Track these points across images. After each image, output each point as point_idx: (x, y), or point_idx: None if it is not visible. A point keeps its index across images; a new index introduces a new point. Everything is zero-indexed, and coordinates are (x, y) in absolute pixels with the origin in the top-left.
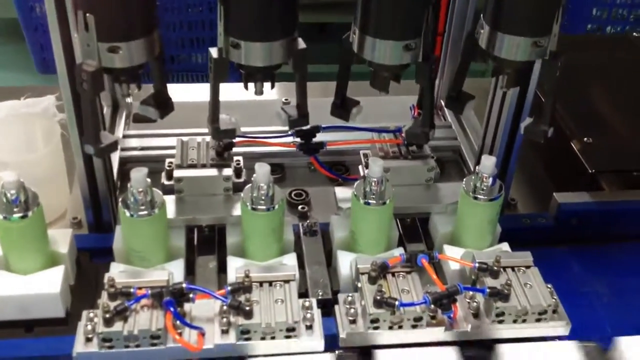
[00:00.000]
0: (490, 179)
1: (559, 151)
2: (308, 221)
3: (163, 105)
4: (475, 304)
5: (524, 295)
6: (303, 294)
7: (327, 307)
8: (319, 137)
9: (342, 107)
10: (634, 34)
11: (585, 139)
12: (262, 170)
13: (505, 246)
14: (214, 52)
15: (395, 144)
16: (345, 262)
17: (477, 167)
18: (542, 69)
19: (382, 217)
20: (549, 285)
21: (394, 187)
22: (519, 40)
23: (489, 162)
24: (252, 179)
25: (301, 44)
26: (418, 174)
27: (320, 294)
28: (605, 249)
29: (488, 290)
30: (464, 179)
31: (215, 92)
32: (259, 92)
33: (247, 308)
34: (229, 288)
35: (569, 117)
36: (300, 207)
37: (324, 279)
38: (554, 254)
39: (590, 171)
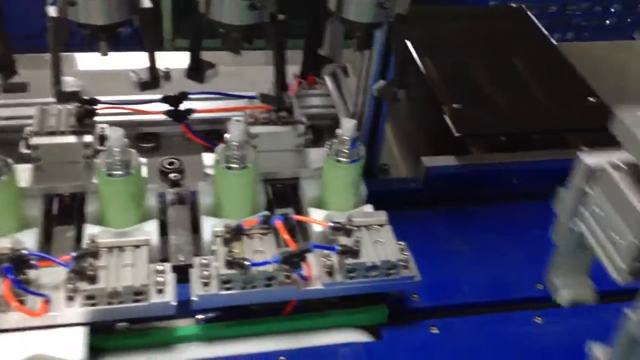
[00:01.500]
0: (351, 141)
1: (432, 117)
2: (175, 189)
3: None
4: (329, 262)
5: (374, 251)
6: (166, 261)
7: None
8: (194, 105)
9: (197, 69)
10: (512, 4)
11: (455, 105)
12: (115, 134)
13: (368, 207)
14: (52, 10)
15: (266, 111)
16: (208, 227)
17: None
18: (389, 32)
19: (244, 181)
20: (401, 243)
21: (264, 152)
22: (364, 1)
23: (348, 125)
24: (106, 144)
25: (146, 2)
26: (288, 140)
27: (182, 259)
28: (470, 209)
29: (339, 247)
30: (326, 142)
31: (55, 53)
32: (104, 53)
33: (91, 273)
34: (74, 254)
35: (442, 84)
36: (172, 175)
37: (188, 245)
38: (422, 216)
39: (457, 135)
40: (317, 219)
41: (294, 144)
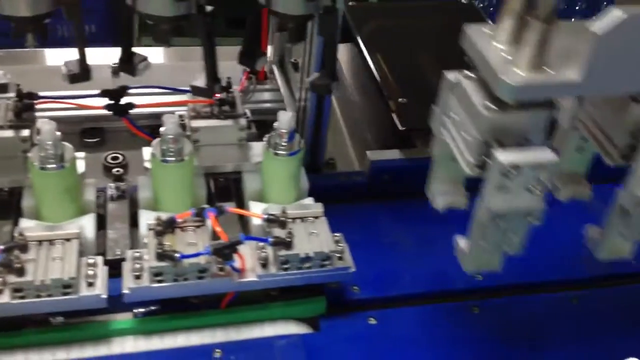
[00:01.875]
0: (288, 134)
1: (379, 112)
2: (116, 183)
3: None
4: (264, 254)
5: (308, 243)
6: (103, 254)
7: None
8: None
9: (129, 62)
10: (463, 0)
11: (400, 99)
12: (46, 128)
13: (308, 200)
14: None
15: (209, 104)
16: (145, 221)
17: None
18: (318, 23)
19: (181, 174)
20: (337, 234)
21: (206, 146)
22: None
23: (284, 117)
24: (38, 137)
25: None
26: (230, 134)
27: (118, 253)
28: (413, 202)
29: (272, 239)
30: (265, 136)
31: None
32: (31, 45)
33: (18, 266)
34: (2, 247)
35: (389, 79)
36: (115, 170)
37: (125, 240)
38: (367, 209)
39: (402, 129)
40: (256, 212)
41: (236, 138)
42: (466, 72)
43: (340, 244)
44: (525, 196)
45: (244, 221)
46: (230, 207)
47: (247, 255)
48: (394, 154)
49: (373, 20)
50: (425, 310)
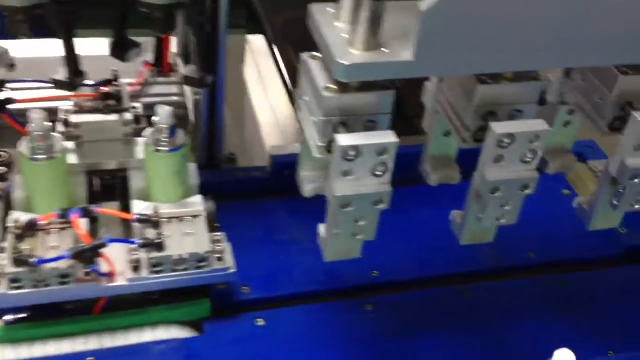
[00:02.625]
0: (169, 130)
1: (288, 107)
2: None
3: None
4: (135, 257)
5: (182, 244)
6: None
7: None
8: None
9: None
10: None
11: None
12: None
13: (196, 199)
14: None
15: (93, 99)
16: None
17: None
18: (184, 13)
19: (52, 173)
20: (218, 234)
21: (89, 143)
22: None
23: (163, 112)
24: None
25: None
26: (114, 129)
27: None
28: (312, 198)
29: (140, 241)
30: (144, 131)
31: None
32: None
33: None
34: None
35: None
36: None
37: None
38: (266, 206)
39: None
40: (137, 212)
41: (121, 134)
42: (314, 52)
43: (220, 244)
44: (373, 180)
45: (128, 222)
46: (99, 208)
47: (118, 259)
48: (295, 149)
49: (284, 12)
50: (317, 309)
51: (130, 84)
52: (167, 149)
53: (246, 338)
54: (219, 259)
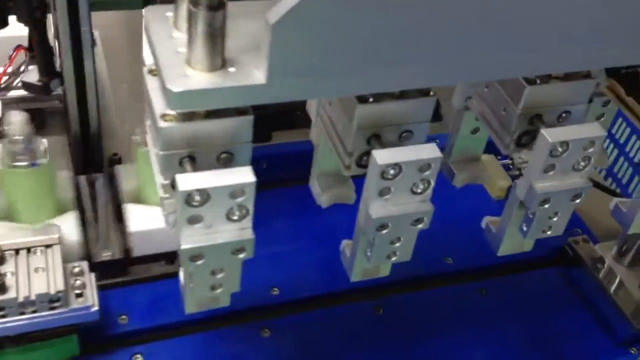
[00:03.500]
0: (24, 141)
1: None
2: None
3: None
4: None
5: (30, 282)
6: None
7: None
8: None
9: None
10: None
11: None
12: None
13: (69, 217)
14: None
15: None
16: None
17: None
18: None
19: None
20: (78, 264)
21: None
22: None
23: (15, 119)
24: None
25: None
26: None
27: None
28: None
29: None
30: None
31: None
32: None
33: None
34: None
35: None
36: None
37: None
38: None
39: None
40: None
41: None
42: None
43: (79, 278)
44: (228, 227)
45: None
46: None
47: None
48: None
49: None
50: (205, 338)
51: None
52: (24, 163)
53: None
54: (79, 295)
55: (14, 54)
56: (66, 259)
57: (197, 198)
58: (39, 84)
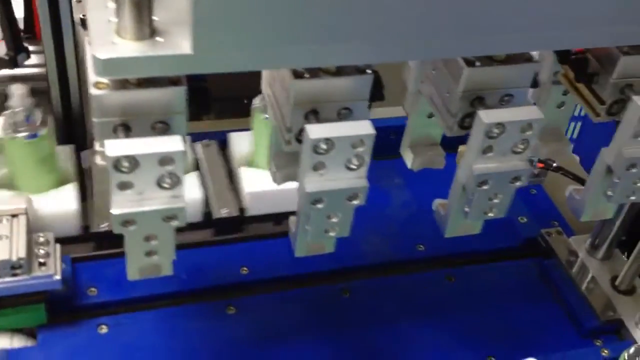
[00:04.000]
0: (26, 113)
1: None
2: None
3: None
4: None
5: None
6: None
7: None
8: None
9: None
10: None
11: None
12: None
13: (69, 188)
14: None
15: None
16: None
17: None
18: None
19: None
20: (43, 234)
21: None
22: None
23: (16, 91)
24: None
25: None
26: None
27: None
28: None
29: None
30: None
31: None
32: None
33: None
34: None
35: None
36: None
37: None
38: None
39: None
40: None
41: None
42: None
43: (44, 247)
44: (160, 194)
45: None
46: None
47: None
48: None
49: None
50: (172, 312)
51: None
52: (24, 134)
53: (83, 348)
54: (42, 264)
55: None
56: (62, 230)
57: (126, 164)
58: (6, 57)
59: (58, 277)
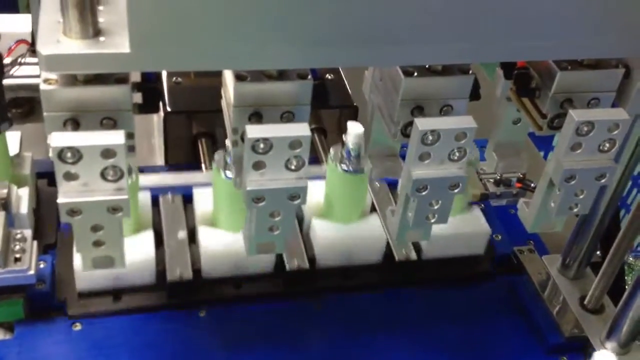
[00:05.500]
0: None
1: None
2: None
3: None
4: None
5: None
6: None
7: None
8: None
9: None
10: None
11: (174, 78)
12: None
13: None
14: None
15: None
16: None
17: None
18: None
19: None
20: (20, 231)
21: None
22: None
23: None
24: None
25: None
26: None
27: None
28: None
29: None
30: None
31: None
32: None
33: None
34: None
35: None
36: None
37: None
38: None
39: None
40: None
41: None
42: None
43: (20, 244)
44: (104, 186)
45: None
46: None
47: None
48: None
49: None
50: (144, 318)
51: None
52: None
53: (57, 345)
54: (17, 260)
55: (14, 45)
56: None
57: (69, 155)
58: None
59: (32, 272)
